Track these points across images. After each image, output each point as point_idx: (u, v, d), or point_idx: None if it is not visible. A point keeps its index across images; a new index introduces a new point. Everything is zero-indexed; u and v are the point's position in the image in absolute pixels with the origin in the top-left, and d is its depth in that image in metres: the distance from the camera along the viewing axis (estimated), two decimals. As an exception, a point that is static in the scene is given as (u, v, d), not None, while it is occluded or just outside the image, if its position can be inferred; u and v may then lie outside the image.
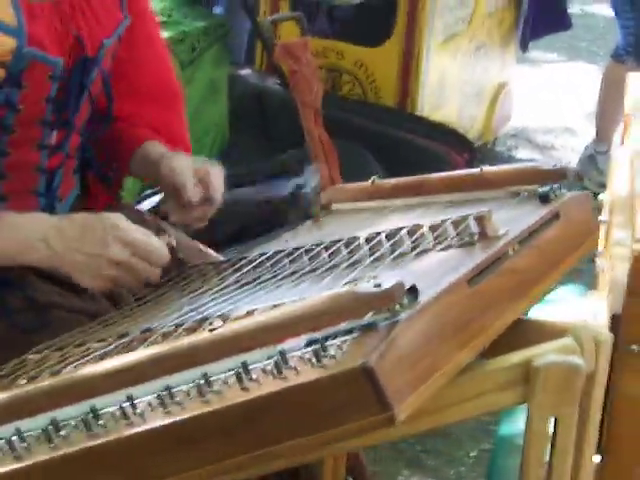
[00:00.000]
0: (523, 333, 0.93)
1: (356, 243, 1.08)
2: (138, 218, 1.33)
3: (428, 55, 2.84)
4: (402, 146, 2.81)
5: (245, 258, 1.19)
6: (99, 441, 0.77)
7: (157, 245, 1.21)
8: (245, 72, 3.07)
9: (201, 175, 1.31)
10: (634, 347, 1.08)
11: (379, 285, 0.78)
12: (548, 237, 1.04)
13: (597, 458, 1.10)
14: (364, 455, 1.68)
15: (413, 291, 0.82)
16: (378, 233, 1.09)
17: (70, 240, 1.18)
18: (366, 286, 0.79)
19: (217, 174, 1.34)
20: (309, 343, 0.77)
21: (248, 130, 2.87)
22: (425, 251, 1.01)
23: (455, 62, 3.08)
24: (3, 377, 0.95)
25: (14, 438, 0.79)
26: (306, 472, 1.42)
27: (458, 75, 3.09)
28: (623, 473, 1.14)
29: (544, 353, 0.86)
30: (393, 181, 1.39)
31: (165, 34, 2.36)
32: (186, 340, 0.81)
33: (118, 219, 1.20)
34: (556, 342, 0.88)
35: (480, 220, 0.99)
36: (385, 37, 2.88)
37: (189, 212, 1.32)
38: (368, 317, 0.79)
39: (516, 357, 0.87)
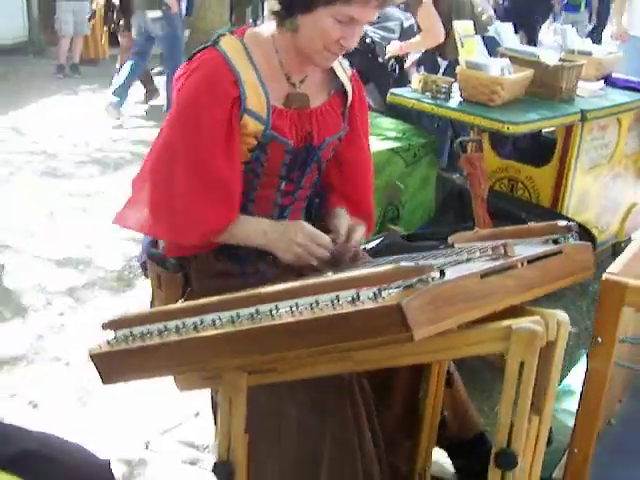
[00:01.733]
0: (513, 312, 1.50)
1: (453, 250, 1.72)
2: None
3: (575, 176, 3.75)
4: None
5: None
6: (258, 325, 1.43)
7: (324, 237, 1.98)
8: (447, 174, 4.17)
9: (352, 231, 2.10)
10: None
11: (417, 264, 1.40)
12: (550, 263, 1.61)
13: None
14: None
15: (442, 273, 1.42)
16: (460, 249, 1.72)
17: (278, 232, 1.93)
18: (409, 264, 1.40)
19: (358, 234, 2.12)
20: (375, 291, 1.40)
21: (449, 212, 3.69)
22: (471, 259, 1.61)
23: (596, 183, 3.95)
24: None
25: (221, 318, 1.48)
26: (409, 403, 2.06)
27: (598, 193, 3.98)
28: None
29: (520, 322, 1.43)
30: (487, 231, 2.02)
31: (398, 144, 3.68)
32: (311, 280, 1.47)
33: (304, 224, 1.97)
34: (529, 317, 1.45)
35: (506, 246, 1.58)
36: (547, 161, 3.79)
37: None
38: (411, 281, 1.40)
39: (504, 322, 1.44)
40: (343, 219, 2.15)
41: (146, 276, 2.31)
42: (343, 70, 2.15)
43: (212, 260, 2.04)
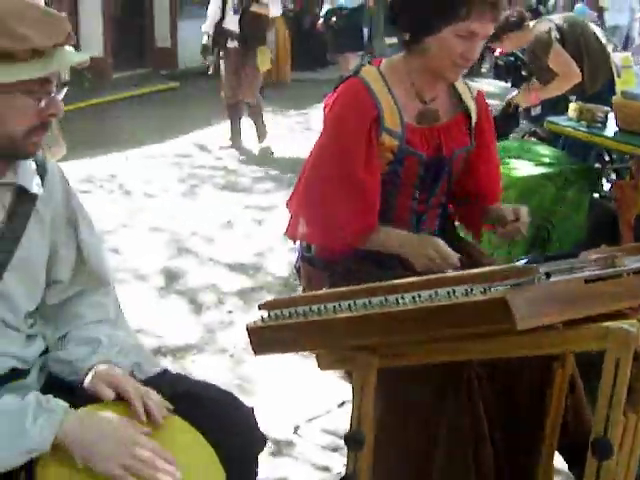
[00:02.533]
0: (615, 316, 1.66)
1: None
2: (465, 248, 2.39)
3: None
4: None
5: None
6: (386, 309, 1.68)
7: (453, 257, 2.19)
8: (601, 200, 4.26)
9: (517, 211, 2.30)
10: None
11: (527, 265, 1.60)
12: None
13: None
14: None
15: (548, 275, 1.62)
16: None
17: (411, 245, 2.19)
18: (520, 264, 1.61)
19: (524, 211, 2.32)
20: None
21: (600, 236, 3.86)
22: (584, 268, 1.79)
23: None
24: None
25: (356, 303, 1.73)
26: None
27: None
28: None
29: (617, 324, 1.60)
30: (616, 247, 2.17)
31: (550, 170, 3.88)
32: (432, 276, 1.70)
33: (437, 239, 2.21)
34: (626, 320, 1.61)
35: (614, 257, 1.75)
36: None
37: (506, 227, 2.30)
38: (519, 280, 1.60)
39: (604, 323, 1.62)
40: (503, 210, 2.37)
41: (300, 283, 2.61)
42: (469, 91, 2.40)
43: (357, 264, 2.30)
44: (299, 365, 3.30)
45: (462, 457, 2.04)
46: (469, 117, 2.39)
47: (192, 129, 8.82)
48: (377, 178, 2.24)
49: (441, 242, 2.24)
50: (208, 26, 7.69)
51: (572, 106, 3.70)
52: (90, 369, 1.67)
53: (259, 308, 1.90)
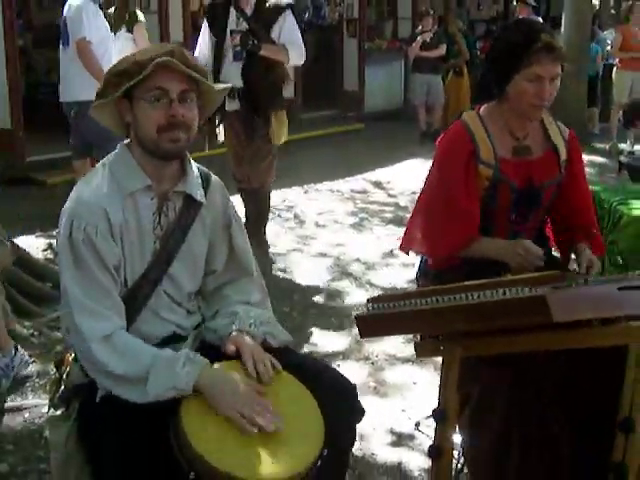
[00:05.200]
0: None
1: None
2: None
3: None
4: None
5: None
6: (461, 302, 2.14)
7: (537, 248, 2.62)
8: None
9: (590, 265, 2.71)
10: None
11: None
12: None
13: None
14: None
15: (586, 281, 2.03)
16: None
17: (504, 248, 2.70)
18: (567, 273, 2.03)
19: (595, 267, 2.71)
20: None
21: None
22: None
23: None
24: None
25: (444, 299, 2.21)
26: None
27: None
28: None
29: (638, 322, 1.98)
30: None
31: None
32: (494, 280, 2.16)
33: (524, 240, 2.68)
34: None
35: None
36: None
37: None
38: (560, 284, 2.01)
39: (627, 323, 1.99)
40: (583, 256, 2.76)
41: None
42: (560, 132, 2.85)
43: (462, 273, 2.77)
44: (425, 375, 3.79)
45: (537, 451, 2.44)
46: (558, 153, 2.82)
47: (372, 168, 9.43)
48: (475, 201, 2.73)
49: (527, 241, 2.68)
50: None
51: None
52: (229, 335, 2.25)
53: (367, 301, 2.40)
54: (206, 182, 2.33)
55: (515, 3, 12.00)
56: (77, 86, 5.96)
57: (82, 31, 5.95)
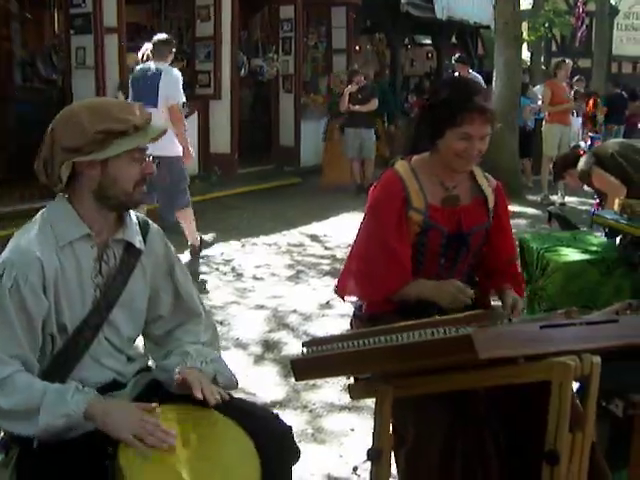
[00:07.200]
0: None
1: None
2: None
3: None
4: None
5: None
6: (388, 344, 2.22)
7: (466, 287, 2.75)
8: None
9: (514, 308, 2.83)
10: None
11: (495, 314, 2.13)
12: (604, 327, 2.24)
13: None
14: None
15: (510, 320, 2.14)
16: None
17: (435, 289, 2.80)
18: (491, 312, 2.14)
19: (519, 304, 2.86)
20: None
21: None
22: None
23: None
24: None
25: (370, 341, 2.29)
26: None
27: None
28: None
29: (560, 359, 2.09)
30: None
31: (594, 256, 4.24)
32: (422, 320, 2.25)
33: (453, 280, 2.81)
34: (568, 356, 2.10)
35: (571, 312, 2.25)
36: None
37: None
38: (485, 323, 2.12)
39: (549, 359, 2.10)
40: (507, 296, 2.90)
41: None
42: (487, 182, 3.01)
43: (395, 316, 2.86)
44: (361, 422, 3.86)
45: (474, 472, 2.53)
46: (487, 201, 2.96)
47: (308, 221, 9.56)
48: (407, 245, 2.84)
49: (457, 281, 2.81)
50: None
51: (617, 202, 4.16)
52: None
53: (303, 345, 2.48)
54: (145, 229, 2.40)
55: (453, 62, 12.35)
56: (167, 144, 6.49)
57: (178, 97, 7.07)
